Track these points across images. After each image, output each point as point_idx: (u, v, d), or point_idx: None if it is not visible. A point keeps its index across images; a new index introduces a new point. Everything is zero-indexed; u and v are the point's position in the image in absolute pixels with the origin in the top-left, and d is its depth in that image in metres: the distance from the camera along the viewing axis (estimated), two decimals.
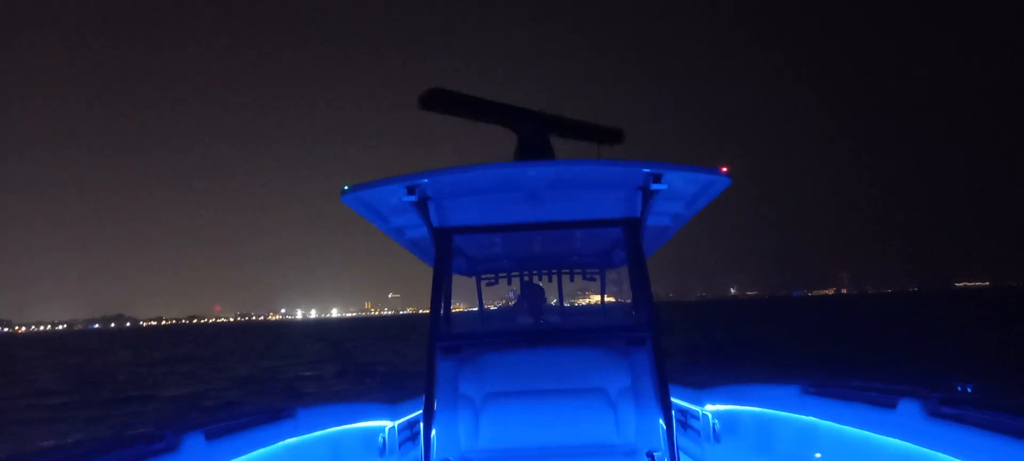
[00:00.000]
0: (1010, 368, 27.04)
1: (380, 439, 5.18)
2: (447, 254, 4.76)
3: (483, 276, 7.46)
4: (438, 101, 4.80)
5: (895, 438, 3.71)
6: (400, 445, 5.38)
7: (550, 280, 7.71)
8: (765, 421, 5.14)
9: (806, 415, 4.70)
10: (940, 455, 3.34)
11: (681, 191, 4.53)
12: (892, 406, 3.76)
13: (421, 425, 4.30)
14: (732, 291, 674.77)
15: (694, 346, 46.52)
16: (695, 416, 5.57)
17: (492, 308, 8.07)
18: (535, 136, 4.83)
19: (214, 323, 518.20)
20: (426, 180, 4.11)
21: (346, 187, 4.05)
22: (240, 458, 4.04)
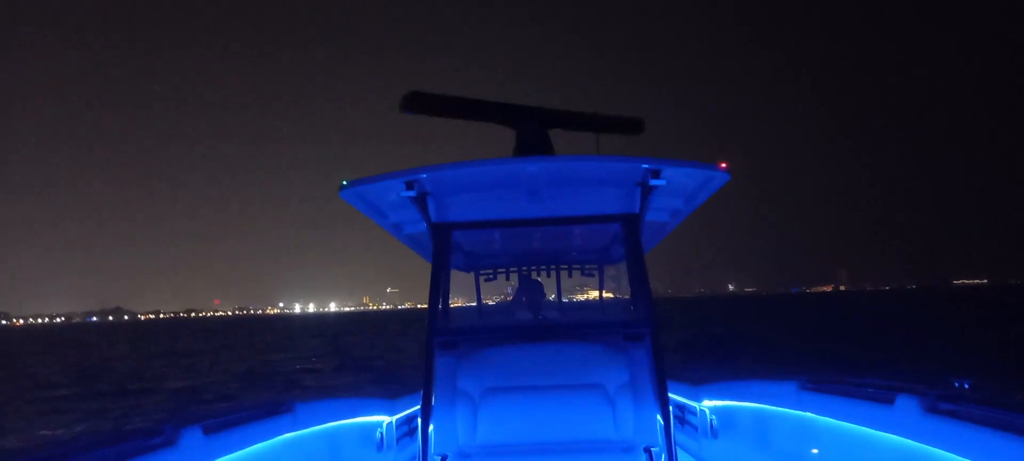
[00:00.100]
0: (1008, 366, 27.10)
1: (378, 434, 5.18)
2: (445, 249, 4.75)
3: (482, 272, 7.44)
4: (419, 103, 4.75)
5: (893, 434, 3.72)
6: (398, 440, 5.39)
7: (549, 276, 7.70)
8: (763, 417, 5.16)
9: (804, 411, 4.71)
10: (938, 451, 3.35)
11: (680, 187, 4.52)
12: (890, 402, 3.77)
13: (419, 420, 4.30)
14: (731, 287, 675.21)
15: (692, 342, 46.57)
16: (693, 412, 5.58)
17: (490, 303, 8.04)
18: (534, 133, 4.81)
19: (213, 317, 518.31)
20: (425, 175, 4.09)
21: (345, 182, 4.04)
22: (238, 453, 4.05)
